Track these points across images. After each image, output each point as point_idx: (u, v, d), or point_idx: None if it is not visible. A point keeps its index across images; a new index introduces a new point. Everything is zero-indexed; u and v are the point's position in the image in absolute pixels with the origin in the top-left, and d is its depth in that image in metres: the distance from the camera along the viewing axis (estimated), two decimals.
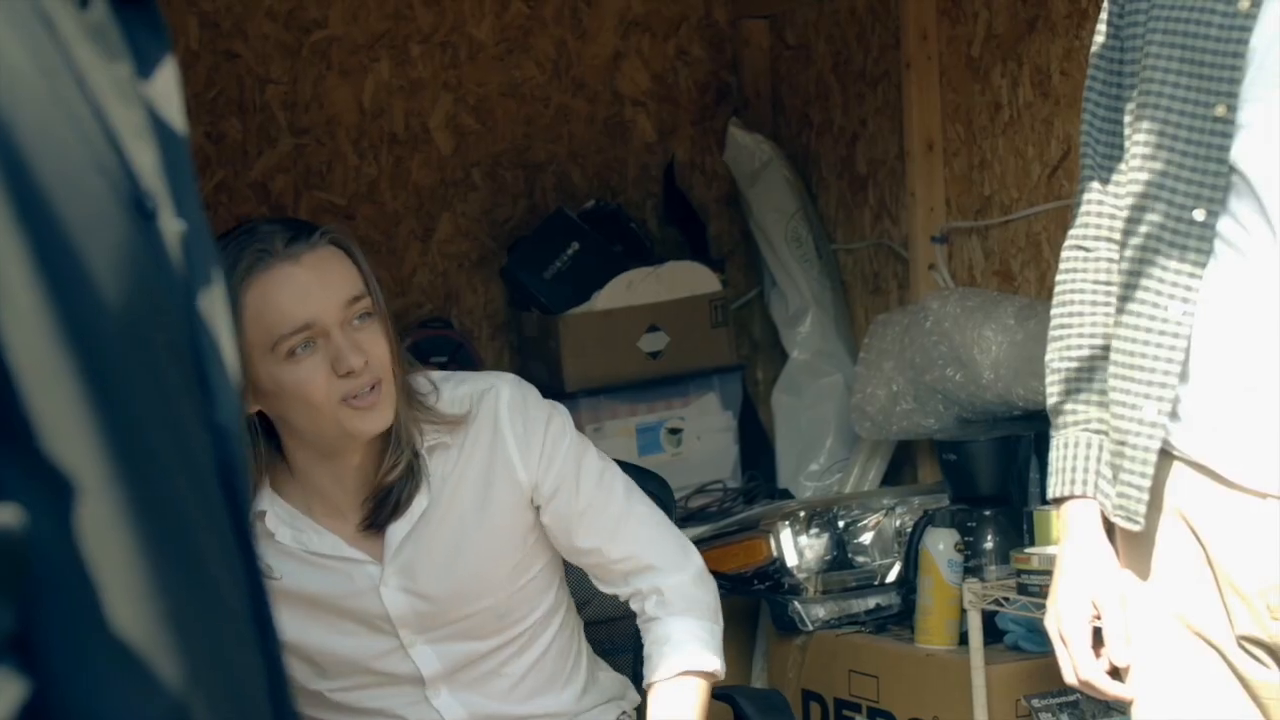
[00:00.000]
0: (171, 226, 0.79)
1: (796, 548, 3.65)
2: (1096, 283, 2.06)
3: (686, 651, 2.29)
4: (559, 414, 2.33)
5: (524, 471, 2.27)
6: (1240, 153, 1.87)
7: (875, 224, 4.25)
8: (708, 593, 2.35)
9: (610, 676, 2.50)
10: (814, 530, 3.67)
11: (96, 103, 0.76)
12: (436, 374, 2.32)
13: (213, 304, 0.80)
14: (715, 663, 2.30)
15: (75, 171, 0.72)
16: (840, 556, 3.68)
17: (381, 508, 2.25)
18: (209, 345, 0.80)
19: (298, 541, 2.25)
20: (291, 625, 2.22)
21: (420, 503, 2.25)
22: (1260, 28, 1.85)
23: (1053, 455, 2.08)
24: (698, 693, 2.28)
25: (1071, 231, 2.11)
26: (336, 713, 2.35)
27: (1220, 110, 1.86)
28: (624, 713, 2.46)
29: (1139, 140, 1.95)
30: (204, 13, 4.09)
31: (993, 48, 3.81)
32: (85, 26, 0.77)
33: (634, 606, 2.36)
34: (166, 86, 0.82)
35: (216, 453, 0.80)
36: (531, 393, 2.32)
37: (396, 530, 2.26)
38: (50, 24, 0.74)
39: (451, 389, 2.28)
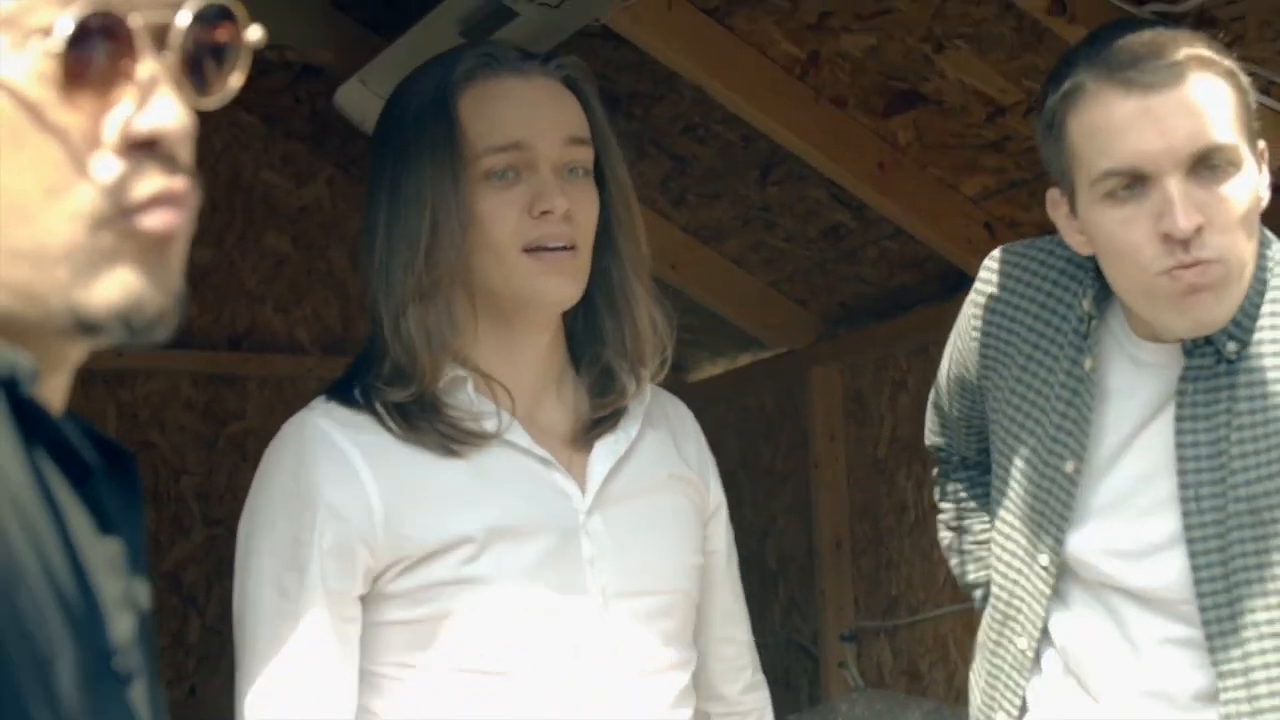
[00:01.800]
0: (142, 695, 0.81)
1: None
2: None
3: None
4: None
5: (711, 489, 2.01)
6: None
7: (785, 620, 4.28)
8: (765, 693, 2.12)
9: None
10: None
11: (85, 573, 0.78)
12: None
13: None
14: None
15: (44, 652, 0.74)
16: None
17: (598, 425, 1.88)
18: None
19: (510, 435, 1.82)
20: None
21: (628, 429, 1.90)
22: (1099, 389, 1.90)
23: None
24: None
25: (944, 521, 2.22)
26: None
27: (1069, 467, 1.92)
28: None
29: (1004, 484, 1.99)
30: (122, 402, 4.13)
31: (898, 450, 3.91)
32: (79, 503, 0.80)
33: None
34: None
35: None
36: None
37: (605, 451, 1.88)
38: (53, 499, 0.77)
39: None
